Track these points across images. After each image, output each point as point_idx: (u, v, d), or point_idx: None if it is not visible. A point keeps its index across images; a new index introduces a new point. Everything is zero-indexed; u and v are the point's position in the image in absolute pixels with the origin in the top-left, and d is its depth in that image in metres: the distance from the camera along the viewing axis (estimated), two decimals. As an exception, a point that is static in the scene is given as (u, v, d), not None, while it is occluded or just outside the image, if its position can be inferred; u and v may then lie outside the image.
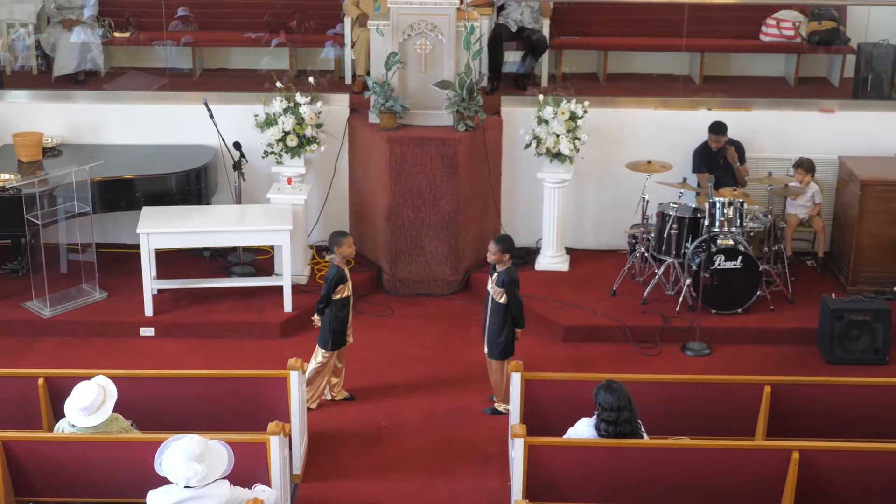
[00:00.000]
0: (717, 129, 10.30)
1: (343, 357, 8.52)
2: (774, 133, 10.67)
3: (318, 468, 7.81)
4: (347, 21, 11.09)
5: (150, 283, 9.58)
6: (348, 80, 11.14)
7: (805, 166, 10.32)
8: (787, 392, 7.48)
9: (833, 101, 10.86)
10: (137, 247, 9.57)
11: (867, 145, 10.57)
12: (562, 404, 7.44)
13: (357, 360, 8.89)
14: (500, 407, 8.39)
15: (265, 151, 10.14)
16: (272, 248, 10.41)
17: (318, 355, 8.39)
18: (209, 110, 10.14)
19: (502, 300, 8.15)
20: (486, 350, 8.35)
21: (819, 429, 7.47)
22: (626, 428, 6.65)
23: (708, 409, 7.53)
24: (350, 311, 8.41)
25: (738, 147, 10.41)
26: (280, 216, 9.77)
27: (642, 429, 6.81)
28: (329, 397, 8.54)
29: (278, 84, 10.12)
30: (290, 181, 10.10)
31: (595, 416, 6.73)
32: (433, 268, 10.41)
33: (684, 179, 10.16)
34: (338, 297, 8.30)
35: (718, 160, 10.34)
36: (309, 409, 8.27)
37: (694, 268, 9.59)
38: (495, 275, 8.21)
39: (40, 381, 7.38)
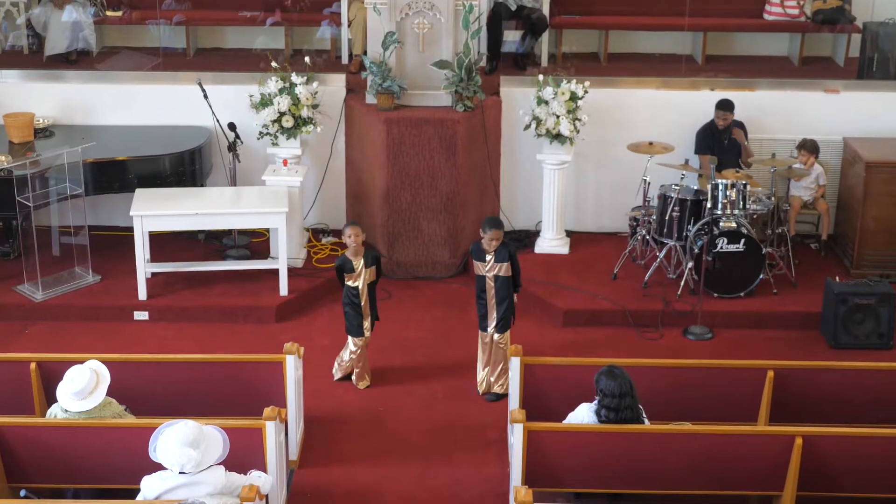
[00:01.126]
0: (725, 105, 10.25)
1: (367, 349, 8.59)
2: (778, 114, 10.64)
3: (315, 454, 7.81)
4: (344, 0, 11.04)
5: (144, 267, 9.57)
6: (345, 60, 11.11)
7: (809, 147, 10.30)
8: (791, 377, 7.48)
9: (838, 81, 10.83)
10: (131, 229, 9.55)
11: (872, 126, 10.55)
12: (561, 389, 7.45)
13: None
14: (499, 388, 8.40)
15: (260, 132, 10.11)
16: (268, 230, 10.39)
17: (350, 344, 8.50)
18: (203, 91, 10.11)
19: (508, 273, 8.19)
20: (493, 328, 8.31)
21: (822, 414, 7.48)
22: (627, 414, 6.65)
23: (710, 394, 7.53)
24: (363, 302, 8.41)
25: (742, 127, 10.39)
26: (276, 198, 9.74)
27: (644, 414, 6.81)
28: (338, 375, 8.63)
29: (274, 64, 10.08)
30: (285, 163, 10.08)
31: (596, 402, 6.73)
32: (431, 251, 10.40)
33: (686, 161, 10.14)
34: (349, 283, 8.36)
35: (723, 140, 10.31)
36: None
37: (696, 251, 9.58)
38: (491, 255, 8.20)
39: (32, 365, 7.38)
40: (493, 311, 8.32)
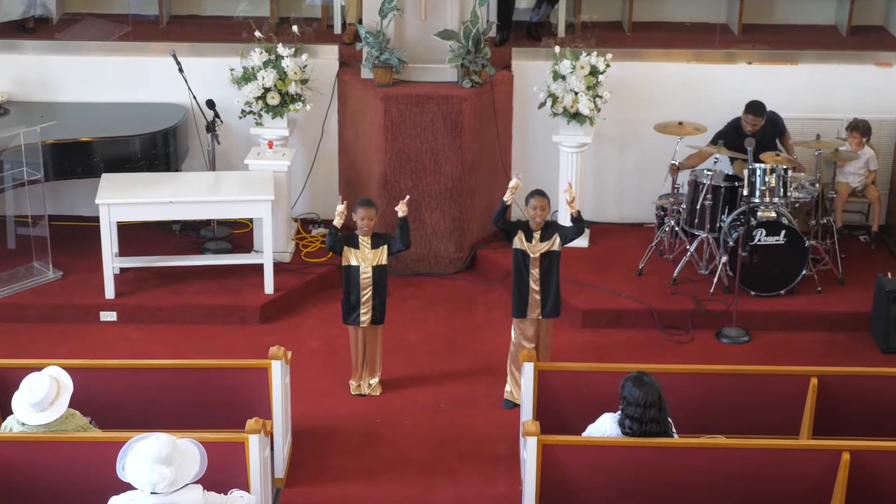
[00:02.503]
0: (756, 109, 10.04)
1: (369, 343, 8.55)
2: (824, 90, 10.62)
3: (304, 471, 7.81)
4: (336, -38, 11.05)
5: (111, 261, 9.57)
6: (337, 30, 11.10)
7: (861, 129, 10.27)
8: (837, 384, 7.47)
9: (891, 54, 10.81)
10: (96, 219, 9.55)
11: (930, 104, 10.57)
12: (580, 398, 7.44)
13: (348, 348, 8.88)
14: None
15: (243, 111, 10.11)
16: (251, 221, 10.39)
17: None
18: (178, 63, 10.10)
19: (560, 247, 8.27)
20: (542, 314, 8.32)
21: (872, 426, 7.48)
22: (652, 428, 6.64)
23: (746, 404, 7.53)
24: (360, 288, 8.39)
25: (776, 120, 10.33)
26: (260, 185, 9.74)
27: (672, 428, 6.81)
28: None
29: (257, 34, 10.08)
30: (271, 145, 10.08)
31: (619, 411, 6.73)
32: (434, 244, 10.40)
33: (720, 143, 10.11)
34: (345, 263, 8.38)
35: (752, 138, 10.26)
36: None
37: (731, 244, 9.57)
38: (539, 232, 8.21)
39: (-14, 372, 7.39)
40: (543, 294, 8.31)
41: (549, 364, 7.82)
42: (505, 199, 8.26)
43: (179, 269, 9.92)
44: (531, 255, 8.27)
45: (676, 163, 10.06)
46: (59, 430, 6.69)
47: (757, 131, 10.08)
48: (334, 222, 8.38)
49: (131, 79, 10.65)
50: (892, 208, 10.60)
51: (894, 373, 7.60)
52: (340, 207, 8.38)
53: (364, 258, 8.40)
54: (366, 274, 8.42)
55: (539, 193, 8.28)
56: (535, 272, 8.28)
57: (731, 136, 10.15)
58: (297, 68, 10.01)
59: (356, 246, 8.40)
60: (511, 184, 8.29)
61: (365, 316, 8.47)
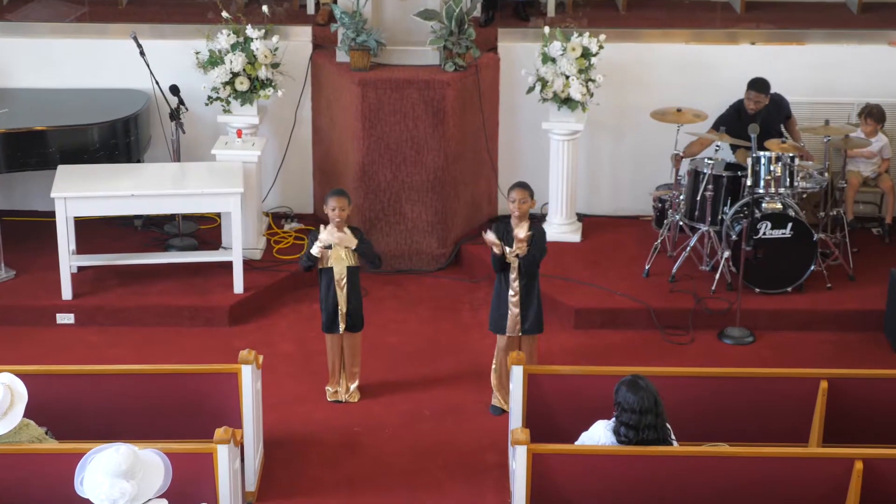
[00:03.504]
0: (759, 85, 10.06)
1: (347, 348, 8.55)
2: (833, 72, 10.64)
3: (277, 483, 7.80)
4: (309, -64, 11.04)
5: (68, 260, 9.54)
6: (311, 10, 11.08)
7: (875, 115, 10.29)
8: (848, 388, 7.49)
9: (905, 33, 10.86)
10: (52, 214, 9.52)
11: (947, 87, 10.61)
12: (573, 404, 7.44)
13: (323, 353, 8.87)
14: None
15: (209, 97, 10.09)
16: (219, 215, 10.37)
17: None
18: (139, 46, 10.07)
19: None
20: (523, 329, 8.28)
21: (887, 433, 7.49)
22: (649, 435, 6.65)
23: (751, 409, 7.54)
24: (336, 291, 8.36)
25: (781, 102, 10.35)
26: (228, 177, 9.73)
27: (671, 435, 6.81)
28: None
29: (225, 14, 10.05)
30: (240, 134, 10.06)
31: (613, 418, 6.74)
32: (416, 239, 10.39)
33: (722, 130, 10.13)
34: (320, 266, 8.37)
35: (756, 122, 10.27)
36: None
37: (734, 237, 9.58)
38: (524, 232, 8.12)
39: (-66, 379, 7.34)
40: (525, 307, 8.29)
41: (540, 367, 7.82)
42: (494, 250, 8.15)
43: (142, 267, 9.89)
44: (510, 263, 8.20)
45: (680, 153, 10.06)
46: (12, 441, 6.67)
47: (760, 111, 10.10)
48: (312, 250, 8.31)
49: (89, 63, 10.61)
50: (906, 199, 10.63)
51: (909, 375, 7.64)
52: (325, 236, 8.31)
53: (337, 258, 8.36)
54: (340, 275, 8.39)
55: (520, 186, 8.25)
56: (514, 284, 8.25)
57: (733, 120, 10.16)
58: (268, 51, 9.99)
59: (328, 247, 8.36)
60: (487, 239, 8.13)
61: (342, 322, 8.46)
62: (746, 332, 9.45)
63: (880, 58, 10.68)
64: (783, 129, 10.37)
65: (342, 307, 8.42)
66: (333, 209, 8.31)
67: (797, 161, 9.66)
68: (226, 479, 6.77)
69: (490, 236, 8.12)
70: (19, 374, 6.80)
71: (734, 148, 10.23)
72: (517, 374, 7.50)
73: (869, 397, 7.52)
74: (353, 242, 8.31)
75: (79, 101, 10.42)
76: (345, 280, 8.39)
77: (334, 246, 8.34)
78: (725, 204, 9.84)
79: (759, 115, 10.07)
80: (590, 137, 10.69)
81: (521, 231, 8.09)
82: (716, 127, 10.19)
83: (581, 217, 10.72)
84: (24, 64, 10.62)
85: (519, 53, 10.50)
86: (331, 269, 8.39)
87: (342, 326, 8.47)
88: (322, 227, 8.39)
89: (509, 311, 8.30)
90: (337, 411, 8.53)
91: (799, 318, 9.58)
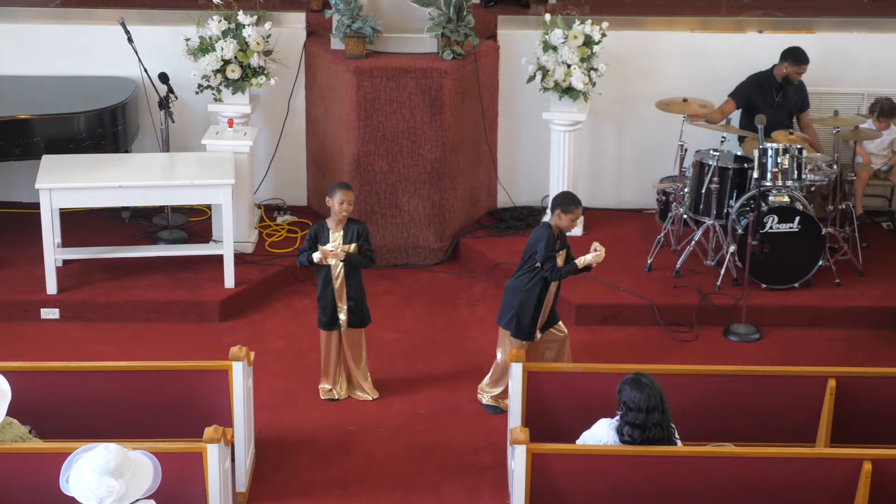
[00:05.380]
0: (801, 57, 10.10)
1: (352, 347, 8.56)
2: (843, 62, 10.65)
3: (269, 484, 7.81)
4: (303, -80, 11.03)
5: (53, 253, 9.54)
6: (304, -5, 11.09)
7: (886, 111, 10.27)
8: (857, 387, 7.50)
9: (918, 22, 10.87)
10: (36, 206, 9.52)
11: (960, 77, 10.61)
12: (574, 402, 7.45)
13: (318, 349, 8.87)
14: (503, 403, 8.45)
15: (200, 85, 10.09)
16: (209, 207, 10.36)
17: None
18: (127, 32, 10.07)
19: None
20: (540, 334, 8.34)
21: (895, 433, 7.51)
22: (656, 433, 6.66)
23: (757, 408, 7.55)
24: (334, 287, 8.36)
25: (804, 89, 10.37)
26: (219, 167, 9.72)
27: (676, 434, 6.82)
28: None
29: (216, 0, 10.04)
30: (231, 123, 10.06)
31: (618, 417, 6.74)
32: (413, 232, 10.39)
33: (728, 121, 10.13)
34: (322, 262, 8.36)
35: (775, 97, 10.29)
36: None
37: (740, 231, 9.59)
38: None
39: (-86, 376, 7.35)
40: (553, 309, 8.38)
41: (540, 365, 7.82)
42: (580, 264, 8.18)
43: (130, 261, 9.89)
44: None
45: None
46: (-5, 439, 6.67)
47: (787, 88, 10.18)
48: (314, 256, 8.30)
49: (75, 49, 10.60)
50: (918, 192, 10.65)
51: (920, 373, 7.65)
52: (331, 247, 8.31)
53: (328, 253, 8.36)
54: (337, 270, 8.39)
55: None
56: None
57: (755, 87, 10.19)
58: (260, 38, 9.98)
59: (326, 241, 8.36)
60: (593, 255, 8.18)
61: (343, 316, 8.45)
62: (752, 329, 9.46)
63: (891, 46, 10.68)
64: (796, 119, 10.38)
65: (341, 303, 8.41)
66: (341, 202, 8.30)
67: (805, 153, 9.66)
68: (216, 479, 6.77)
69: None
70: (2, 371, 6.80)
71: (741, 139, 10.25)
72: (517, 372, 7.51)
73: (878, 396, 7.53)
74: (342, 256, 8.31)
75: (64, 89, 10.41)
76: (341, 276, 8.39)
77: (331, 239, 8.34)
78: (731, 197, 9.84)
79: (785, 86, 10.15)
80: (592, 128, 10.69)
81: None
82: (738, 87, 10.22)
83: (583, 210, 10.69)
84: (8, 50, 10.61)
85: (519, 41, 10.50)
86: (328, 265, 8.38)
87: (344, 322, 8.45)
88: (323, 224, 8.36)
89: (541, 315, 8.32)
90: (330, 410, 8.53)
91: (806, 314, 9.59)
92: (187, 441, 6.99)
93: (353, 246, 8.35)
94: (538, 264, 8.11)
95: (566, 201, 8.20)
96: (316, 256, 8.29)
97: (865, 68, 10.65)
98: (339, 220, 8.36)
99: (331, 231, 8.37)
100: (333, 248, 8.28)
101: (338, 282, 8.40)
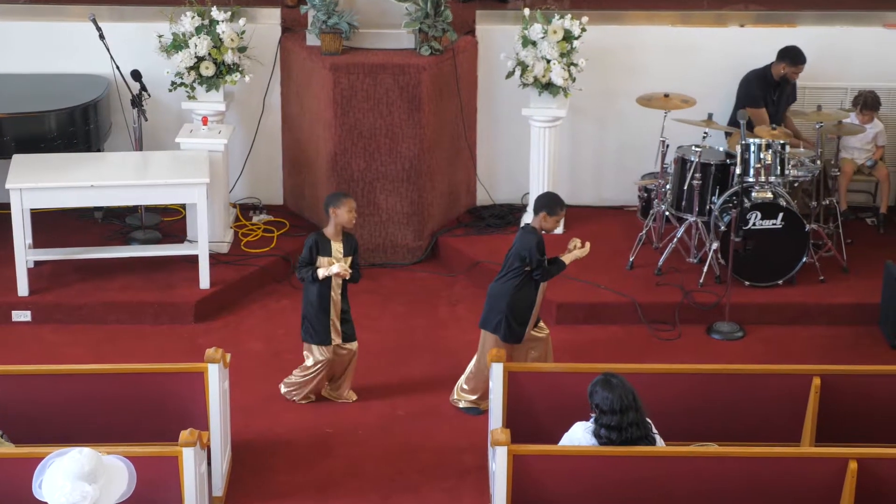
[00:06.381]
0: (799, 57, 10.16)
1: (351, 363, 8.57)
2: (825, 56, 10.67)
3: (245, 488, 7.80)
4: (277, -87, 11.01)
5: (25, 254, 9.51)
6: (279, -9, 11.08)
7: (870, 104, 10.31)
8: (842, 385, 7.52)
9: (900, 14, 10.91)
10: (6, 206, 9.49)
11: (944, 71, 10.66)
12: (555, 403, 7.46)
13: (295, 350, 8.86)
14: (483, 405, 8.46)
15: (173, 83, 10.07)
16: (183, 207, 10.35)
17: (311, 356, 8.43)
18: (98, 29, 10.04)
19: None
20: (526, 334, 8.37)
21: (882, 431, 7.53)
22: (633, 433, 6.67)
23: (741, 407, 7.56)
24: (332, 303, 8.33)
25: (792, 84, 10.41)
26: (193, 166, 9.71)
27: (653, 429, 6.83)
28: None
29: (188, -5, 10.06)
30: (205, 121, 10.04)
31: (592, 421, 6.75)
32: (391, 231, 10.39)
33: (710, 116, 10.15)
34: (321, 272, 8.27)
35: (772, 95, 10.33)
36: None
37: (722, 228, 9.61)
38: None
39: None
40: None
41: (521, 365, 7.83)
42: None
43: (102, 262, 9.86)
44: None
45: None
46: (-34, 445, 6.65)
47: (785, 85, 10.26)
48: (319, 273, 8.24)
49: (45, 46, 10.56)
50: (902, 188, 10.69)
51: (905, 371, 7.67)
52: (338, 268, 8.27)
53: (338, 267, 8.31)
54: (337, 283, 8.36)
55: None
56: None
57: (761, 84, 10.28)
58: (234, 34, 9.97)
59: (329, 253, 8.32)
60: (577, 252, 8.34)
61: (339, 329, 8.42)
62: (736, 327, 9.48)
63: (875, 40, 10.72)
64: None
65: (335, 318, 8.38)
66: (350, 211, 8.26)
67: (788, 148, 9.69)
68: (192, 483, 6.76)
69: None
70: (-27, 375, 6.80)
71: (727, 135, 10.28)
72: (497, 373, 7.51)
73: (863, 394, 7.55)
74: (348, 274, 8.29)
75: (35, 87, 10.38)
76: (339, 290, 8.38)
77: (334, 252, 8.30)
78: (714, 193, 9.86)
79: (783, 84, 10.25)
80: (572, 124, 10.70)
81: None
82: (745, 90, 10.32)
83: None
84: (-23, 48, 10.59)
85: (498, 36, 10.50)
86: (327, 279, 8.33)
87: (339, 335, 8.42)
88: (321, 234, 8.32)
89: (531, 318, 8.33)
90: (308, 412, 8.52)
91: (790, 312, 9.62)
92: (162, 445, 6.99)
93: (349, 260, 8.34)
94: (527, 268, 8.13)
95: (552, 203, 8.21)
96: (321, 273, 8.23)
97: (849, 62, 10.68)
98: (338, 231, 8.31)
99: (332, 242, 8.32)
100: (342, 270, 8.23)
101: (336, 296, 8.37)
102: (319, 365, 8.42)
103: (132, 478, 6.01)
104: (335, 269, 8.22)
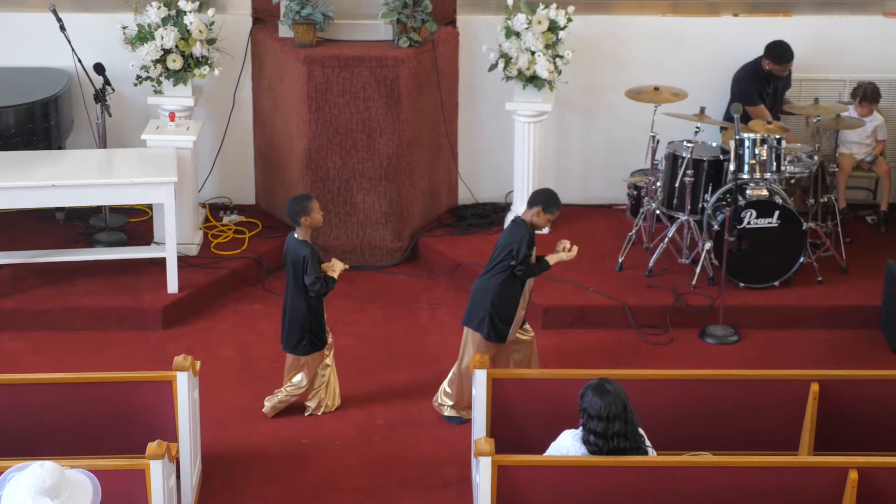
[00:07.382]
0: (783, 56, 10.20)
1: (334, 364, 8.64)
2: (822, 46, 10.71)
3: (217, 502, 7.79)
4: None
5: (-16, 257, 9.52)
6: (250, -20, 11.07)
7: (869, 97, 10.35)
8: (842, 390, 7.54)
9: (901, 2, 10.95)
10: (-35, 208, 9.49)
11: (946, 62, 10.70)
12: (541, 411, 7.47)
13: (268, 357, 8.86)
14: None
15: (138, 77, 10.06)
16: (150, 207, 10.34)
17: (298, 374, 8.46)
18: (59, 20, 10.03)
19: None
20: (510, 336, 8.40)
21: (883, 439, 7.56)
22: (620, 443, 6.68)
23: (736, 414, 7.58)
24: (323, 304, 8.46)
25: (787, 75, 10.45)
26: (160, 164, 9.70)
27: (646, 442, 6.85)
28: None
29: (154, -15, 10.05)
30: (172, 117, 10.04)
31: (581, 427, 6.76)
32: (368, 231, 10.40)
33: (702, 109, 10.17)
34: (333, 273, 8.36)
35: (766, 89, 10.36)
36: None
37: (716, 227, 9.64)
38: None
39: None
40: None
41: (505, 371, 7.83)
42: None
43: (65, 265, 9.86)
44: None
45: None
46: (-79, 458, 6.63)
47: (783, 78, 10.31)
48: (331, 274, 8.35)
49: (3, 38, 10.54)
50: (904, 184, 10.73)
51: (907, 376, 7.70)
52: (341, 265, 8.38)
53: (331, 270, 8.40)
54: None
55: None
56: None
57: (756, 79, 10.31)
58: (203, 26, 9.96)
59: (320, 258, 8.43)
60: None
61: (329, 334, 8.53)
62: (730, 331, 9.50)
63: (875, 29, 10.75)
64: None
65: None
66: (319, 209, 8.35)
67: (784, 143, 9.71)
68: (160, 497, 6.75)
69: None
70: (-71, 385, 6.78)
71: (722, 129, 10.31)
72: (481, 379, 7.52)
73: (864, 400, 7.57)
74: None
75: (-8, 82, 10.39)
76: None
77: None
78: (706, 191, 9.88)
79: (780, 85, 10.32)
80: (558, 119, 10.72)
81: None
82: (742, 87, 10.35)
83: (549, 206, 10.74)
84: (-69, 40, 10.57)
85: (480, 27, 10.52)
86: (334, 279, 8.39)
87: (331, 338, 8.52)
88: (308, 243, 8.34)
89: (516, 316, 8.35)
90: (282, 422, 8.52)
91: (787, 314, 9.64)
92: (129, 458, 6.98)
93: None
94: (513, 262, 8.14)
95: (550, 201, 8.23)
96: (336, 276, 8.39)
97: (847, 52, 10.71)
98: (308, 233, 8.34)
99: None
100: (343, 265, 8.42)
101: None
102: (313, 375, 8.49)
103: (97, 493, 6.01)
104: (340, 267, 8.38)
